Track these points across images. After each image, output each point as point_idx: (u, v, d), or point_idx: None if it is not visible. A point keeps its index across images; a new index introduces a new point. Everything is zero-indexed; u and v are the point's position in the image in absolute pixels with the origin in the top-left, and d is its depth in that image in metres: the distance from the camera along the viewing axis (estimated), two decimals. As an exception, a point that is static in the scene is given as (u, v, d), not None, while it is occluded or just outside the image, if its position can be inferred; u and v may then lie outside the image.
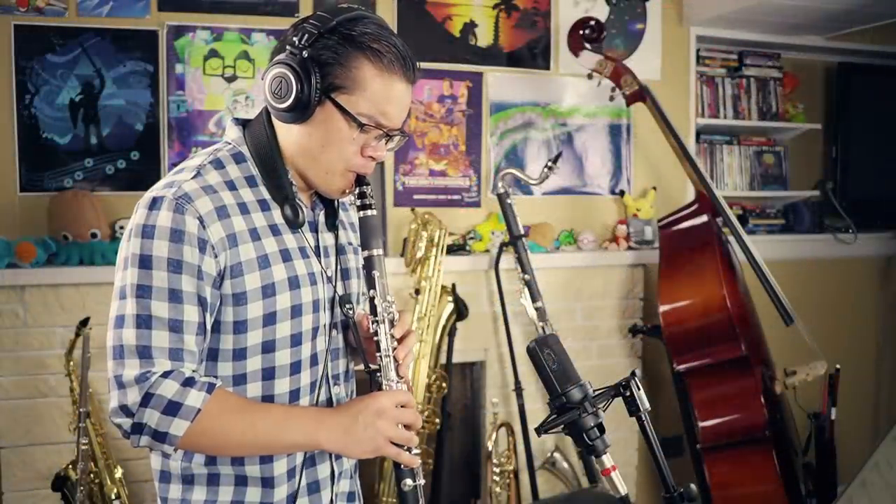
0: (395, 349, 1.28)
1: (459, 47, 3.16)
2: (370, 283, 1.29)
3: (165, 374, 1.15)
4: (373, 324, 1.28)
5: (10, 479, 2.56)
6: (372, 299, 1.28)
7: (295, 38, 1.21)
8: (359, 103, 1.22)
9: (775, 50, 3.68)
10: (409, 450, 1.25)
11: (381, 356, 1.28)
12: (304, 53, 1.20)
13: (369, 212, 1.30)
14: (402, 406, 1.25)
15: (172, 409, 1.14)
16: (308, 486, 1.31)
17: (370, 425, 1.22)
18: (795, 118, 3.75)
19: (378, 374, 1.28)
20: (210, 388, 1.18)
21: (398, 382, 1.27)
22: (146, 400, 1.14)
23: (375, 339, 1.28)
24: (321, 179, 1.28)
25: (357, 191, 1.30)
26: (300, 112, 1.22)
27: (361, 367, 1.40)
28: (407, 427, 1.25)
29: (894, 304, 4.03)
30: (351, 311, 1.32)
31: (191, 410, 1.15)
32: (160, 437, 1.15)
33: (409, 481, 1.26)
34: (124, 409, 1.15)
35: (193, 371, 1.19)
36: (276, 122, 1.29)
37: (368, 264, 1.29)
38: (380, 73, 1.21)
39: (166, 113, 2.79)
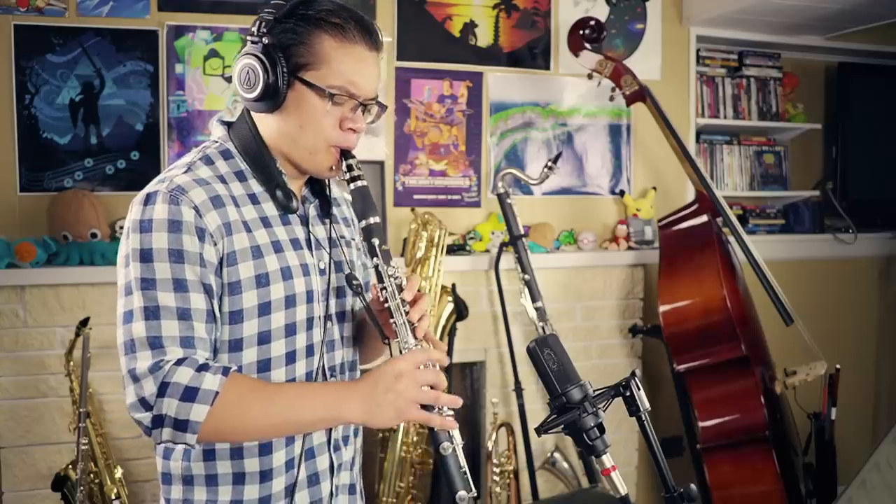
0: (408, 313, 1.26)
1: (459, 47, 3.16)
2: (372, 252, 1.28)
3: (179, 362, 1.14)
4: (381, 291, 1.27)
5: (10, 479, 2.56)
6: (376, 267, 1.28)
7: (254, 29, 1.24)
8: (326, 77, 1.23)
9: (775, 50, 3.68)
10: (440, 411, 1.21)
11: (394, 322, 1.26)
12: (265, 40, 1.22)
13: (360, 182, 1.30)
14: (422, 366, 1.21)
15: (190, 394, 1.12)
16: (308, 478, 1.31)
17: (390, 389, 1.18)
18: (795, 118, 3.75)
19: (395, 341, 1.26)
20: (225, 371, 1.16)
21: (417, 345, 1.25)
22: (163, 389, 1.12)
23: (386, 305, 1.27)
24: (307, 161, 1.29)
25: (344, 164, 1.30)
26: (272, 98, 1.23)
27: (366, 365, 1.40)
28: (433, 388, 1.21)
29: (894, 304, 4.03)
30: (360, 288, 1.31)
31: (209, 394, 1.13)
32: (182, 425, 1.12)
33: (446, 444, 1.20)
34: (143, 403, 1.13)
35: (206, 358, 1.18)
36: (255, 116, 1.30)
37: (367, 233, 1.29)
38: (341, 44, 1.23)
39: (166, 113, 2.79)
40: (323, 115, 1.25)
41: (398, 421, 1.21)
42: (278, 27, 1.23)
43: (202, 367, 1.15)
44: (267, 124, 1.29)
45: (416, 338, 1.25)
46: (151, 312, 1.15)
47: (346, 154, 1.30)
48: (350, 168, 1.30)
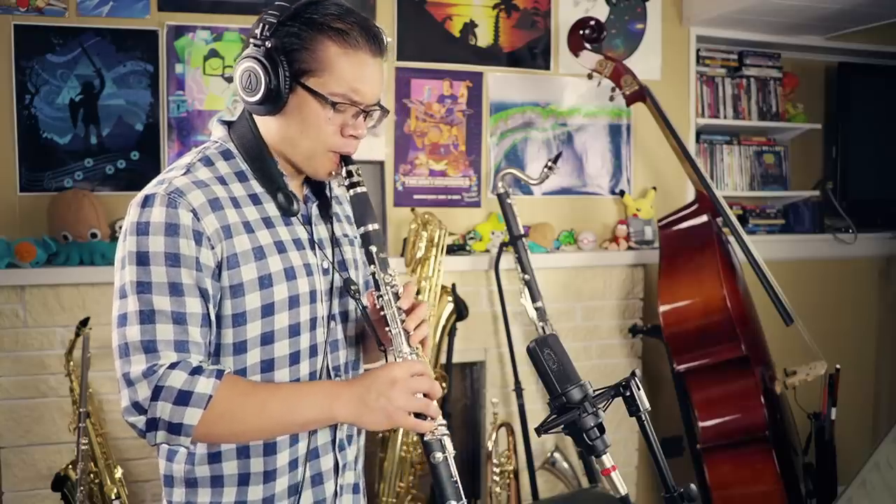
0: (403, 321, 1.26)
1: (459, 47, 3.16)
2: (370, 259, 1.28)
3: (173, 366, 1.15)
4: (378, 299, 1.27)
5: (10, 479, 2.56)
6: (373, 274, 1.28)
7: (257, 31, 1.23)
8: (329, 84, 1.22)
9: (775, 50, 3.68)
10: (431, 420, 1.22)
11: (389, 330, 1.26)
12: (268, 44, 1.21)
13: (359, 189, 1.30)
14: (417, 375, 1.22)
15: (184, 398, 1.13)
16: (311, 478, 1.31)
17: (382, 394, 1.19)
18: (795, 118, 3.75)
19: (390, 349, 1.26)
20: (219, 374, 1.17)
21: (411, 354, 1.25)
22: (157, 393, 1.13)
23: (382, 313, 1.27)
24: (305, 164, 1.29)
25: (344, 170, 1.30)
26: (273, 103, 1.23)
27: (368, 364, 1.40)
28: (426, 396, 1.22)
29: (894, 304, 4.03)
30: (357, 294, 1.32)
31: (202, 398, 1.14)
32: (175, 429, 1.13)
33: (437, 454, 1.21)
34: (136, 407, 1.14)
35: (201, 361, 1.19)
36: (256, 117, 1.30)
37: (366, 240, 1.29)
38: (345, 51, 1.22)
39: (166, 113, 2.79)
40: (324, 122, 1.24)
41: (388, 426, 1.22)
42: (282, 30, 1.21)
43: (196, 371, 1.16)
44: (268, 126, 1.29)
45: (410, 346, 1.25)
46: (146, 316, 1.16)
47: (345, 160, 1.30)
48: (350, 174, 1.30)
